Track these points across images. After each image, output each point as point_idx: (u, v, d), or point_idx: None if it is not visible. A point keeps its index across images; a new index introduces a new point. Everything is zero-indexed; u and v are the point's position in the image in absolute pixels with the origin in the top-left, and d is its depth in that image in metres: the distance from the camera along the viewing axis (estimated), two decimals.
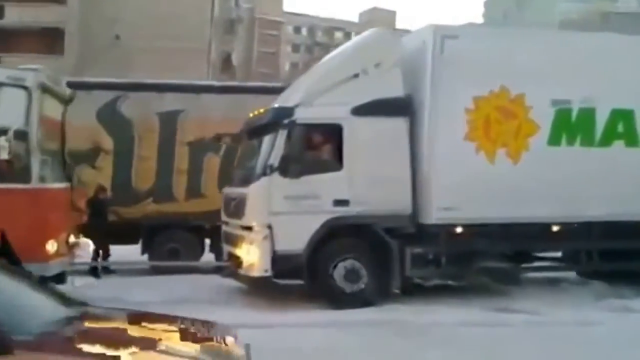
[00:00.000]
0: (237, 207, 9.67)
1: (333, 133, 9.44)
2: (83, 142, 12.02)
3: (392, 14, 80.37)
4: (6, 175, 8.06)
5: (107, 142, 12.50)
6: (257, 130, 9.90)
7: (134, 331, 3.90)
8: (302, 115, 9.26)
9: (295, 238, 9.06)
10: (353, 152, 9.40)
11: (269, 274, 9.00)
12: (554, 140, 10.17)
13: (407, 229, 9.63)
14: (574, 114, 10.20)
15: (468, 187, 9.67)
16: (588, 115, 10.23)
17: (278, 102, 9.92)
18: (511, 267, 10.30)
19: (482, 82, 9.84)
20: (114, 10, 31.85)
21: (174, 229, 12.41)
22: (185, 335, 3.97)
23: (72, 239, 9.39)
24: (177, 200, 12.49)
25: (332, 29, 78.77)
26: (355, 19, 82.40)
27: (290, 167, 9.11)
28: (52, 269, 8.41)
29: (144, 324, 4.11)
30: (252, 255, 9.15)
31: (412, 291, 9.92)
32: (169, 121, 12.63)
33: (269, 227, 9.02)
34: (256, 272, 9.09)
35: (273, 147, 9.25)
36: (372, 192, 9.36)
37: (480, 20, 64.73)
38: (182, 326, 4.19)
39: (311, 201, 9.16)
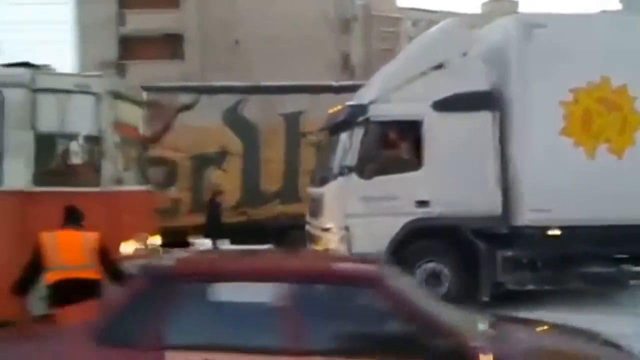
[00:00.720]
0: (316, 208, 9.42)
1: (412, 130, 8.93)
2: (210, 145, 12.51)
3: (514, 5, 77.26)
4: (79, 179, 8.21)
5: (234, 145, 12.75)
6: (334, 128, 9.57)
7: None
8: (377, 112, 8.83)
9: (373, 241, 8.63)
10: (434, 150, 8.85)
11: None
12: None
13: (497, 231, 8.95)
14: None
15: (565, 186, 8.85)
16: None
17: (355, 99, 9.53)
18: (617, 271, 9.29)
19: (579, 73, 9.01)
20: (231, 14, 32.42)
21: (301, 229, 12.34)
22: None
23: (152, 240, 9.48)
24: (303, 202, 12.22)
25: None
26: (477, 10, 79.91)
27: (366, 167, 8.73)
28: (129, 270, 8.49)
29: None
30: None
31: (504, 299, 9.19)
32: (292, 122, 12.67)
33: (346, 228, 8.66)
34: None
35: (348, 146, 8.88)
36: (456, 192, 8.77)
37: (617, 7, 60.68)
38: None
39: (389, 202, 8.71)
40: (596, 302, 9.40)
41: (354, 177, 8.72)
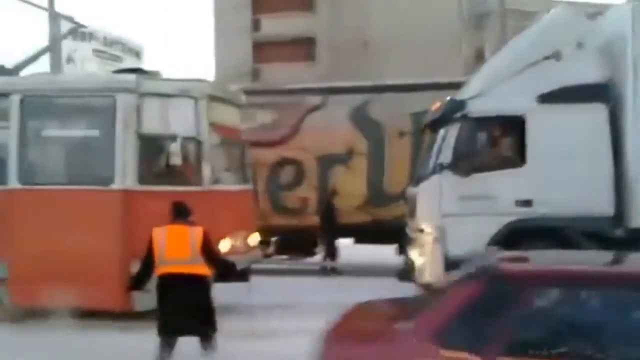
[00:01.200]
0: (411, 207, 9.17)
1: (513, 125, 8.44)
2: (336, 146, 12.77)
3: None
4: (180, 178, 8.54)
5: (360, 145, 12.91)
6: (434, 125, 9.27)
7: None
8: (477, 108, 8.44)
9: (470, 242, 8.19)
10: (539, 146, 8.32)
11: (438, 280, 8.34)
12: None
13: (609, 233, 8.25)
14: None
15: None
16: None
17: (459, 95, 9.18)
18: None
19: None
20: (362, 16, 32.36)
21: None
22: None
23: (253, 238, 9.70)
24: None
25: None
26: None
27: (462, 164, 8.35)
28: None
29: None
30: (423, 259, 8.58)
31: None
32: (420, 121, 12.57)
33: (441, 229, 8.36)
34: (427, 278, 8.50)
35: (445, 143, 8.57)
36: (563, 191, 8.19)
37: None
38: None
39: (488, 201, 8.30)
40: None
41: (449, 174, 8.40)
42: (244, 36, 34.11)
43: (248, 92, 14.24)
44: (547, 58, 8.41)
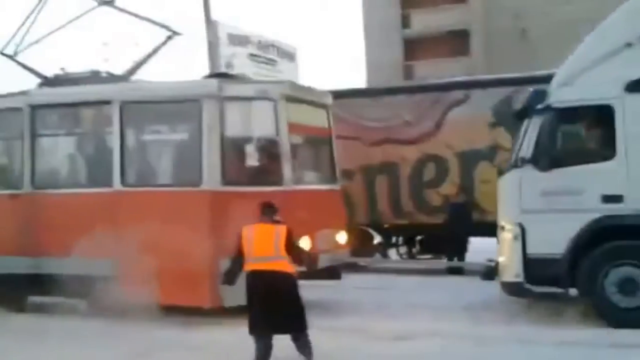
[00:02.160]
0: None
1: (600, 116, 7.92)
2: (480, 141, 12.55)
3: None
4: (262, 178, 8.84)
5: (504, 139, 12.37)
6: (518, 116, 8.89)
7: None
8: (559, 98, 8.00)
9: (553, 240, 7.91)
10: (630, 137, 7.75)
11: (520, 279, 8.06)
12: None
13: None
14: None
15: None
16: None
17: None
18: None
19: None
20: (518, 2, 30.80)
21: None
22: None
23: (341, 236, 9.85)
24: None
25: None
26: None
27: (545, 157, 7.95)
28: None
29: None
30: (504, 258, 8.33)
31: None
32: None
33: (521, 226, 8.06)
34: (507, 277, 8.26)
35: (528, 135, 8.22)
36: None
37: None
38: None
39: (573, 197, 7.86)
40: None
41: (530, 169, 8.05)
42: (394, 33, 33.78)
43: (392, 90, 14.56)
44: (628, 45, 7.81)
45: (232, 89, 9.06)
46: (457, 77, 15.08)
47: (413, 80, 30.24)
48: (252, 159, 8.83)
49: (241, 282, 6.76)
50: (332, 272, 9.74)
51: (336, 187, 10.06)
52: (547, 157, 7.95)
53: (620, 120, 7.79)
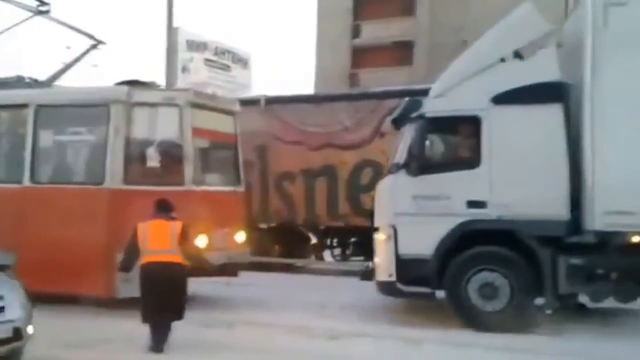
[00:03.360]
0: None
1: (469, 126, 8.40)
2: None
3: None
4: (164, 179, 9.36)
5: None
6: (395, 124, 9.40)
7: None
8: (432, 108, 8.51)
9: (422, 242, 8.33)
10: (494, 147, 8.22)
11: (392, 279, 8.48)
12: None
13: (563, 236, 8.02)
14: None
15: None
16: None
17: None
18: None
19: None
20: (461, 17, 31.88)
21: None
22: None
23: (239, 235, 10.31)
24: None
25: None
26: None
27: (416, 164, 8.43)
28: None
29: None
30: (378, 258, 8.76)
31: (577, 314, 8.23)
32: None
33: (393, 228, 8.50)
34: (381, 276, 8.67)
35: (402, 142, 8.71)
36: (518, 193, 8.07)
37: None
38: None
39: (441, 202, 8.32)
40: None
41: (403, 174, 8.52)
42: (344, 42, 34.84)
43: (334, 97, 15.00)
44: (503, 59, 8.34)
45: (140, 95, 9.61)
46: (398, 85, 15.52)
47: (356, 88, 31.10)
48: (155, 161, 9.37)
49: (135, 275, 7.36)
50: (229, 269, 10.18)
51: (239, 189, 10.54)
52: (418, 164, 8.41)
53: (486, 130, 8.27)
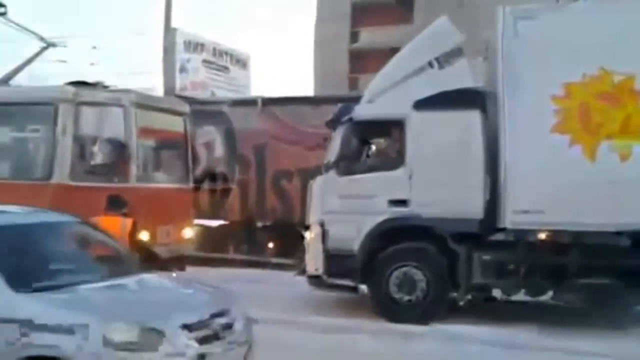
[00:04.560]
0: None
1: (393, 130, 8.98)
2: None
3: None
4: (109, 176, 9.82)
5: None
6: (329, 126, 9.94)
7: None
8: (360, 113, 9.05)
9: (348, 238, 8.88)
10: (415, 149, 8.78)
11: (319, 272, 9.02)
12: None
13: (477, 233, 8.61)
14: None
15: (556, 187, 8.26)
16: None
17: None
18: (619, 286, 8.31)
19: (574, 65, 8.28)
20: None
21: None
22: None
23: (187, 231, 10.80)
24: None
25: None
26: None
27: (344, 165, 8.99)
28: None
29: None
30: (309, 254, 9.30)
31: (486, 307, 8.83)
32: None
33: (322, 224, 9.04)
34: (310, 270, 9.21)
35: (333, 144, 9.26)
36: (436, 193, 8.63)
37: None
38: None
39: (365, 201, 8.87)
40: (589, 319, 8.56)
41: (332, 174, 9.06)
42: (342, 47, 35.22)
43: (330, 99, 14.51)
44: (422, 67, 8.91)
45: (87, 95, 10.07)
46: None
47: (354, 91, 31.63)
48: (100, 158, 9.83)
49: None
50: (177, 264, 10.65)
51: (187, 187, 11.02)
52: (345, 165, 8.98)
53: (408, 134, 8.83)
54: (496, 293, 8.90)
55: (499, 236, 8.61)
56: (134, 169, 9.95)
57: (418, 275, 8.69)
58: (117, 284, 5.50)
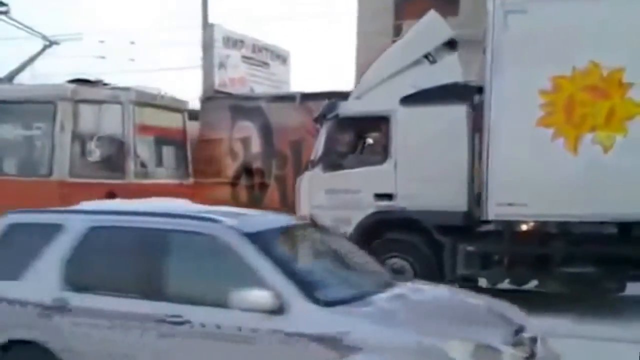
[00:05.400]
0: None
1: (379, 125, 9.14)
2: None
3: None
4: (108, 172, 10.11)
5: None
6: (316, 123, 10.11)
7: None
8: (346, 109, 9.21)
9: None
10: (401, 144, 8.93)
11: None
12: None
13: (462, 225, 8.75)
14: None
15: (539, 179, 8.33)
16: None
17: None
18: (600, 274, 8.41)
19: (562, 59, 8.29)
20: None
21: None
22: None
23: None
24: None
25: None
26: None
27: (330, 161, 9.19)
28: None
29: None
30: None
31: None
32: None
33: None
34: None
35: (319, 140, 9.43)
36: (422, 186, 8.78)
37: None
38: None
39: (352, 195, 9.06)
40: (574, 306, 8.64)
41: (319, 170, 9.25)
42: (385, 41, 35.14)
43: None
44: (413, 63, 9.02)
45: (85, 93, 10.36)
46: None
47: None
48: (98, 155, 10.14)
49: None
50: None
51: (187, 181, 11.29)
52: (331, 160, 9.17)
53: (394, 129, 8.98)
54: (482, 282, 9.04)
55: (483, 228, 8.73)
56: (131, 165, 10.25)
57: (405, 266, 8.86)
58: (397, 294, 4.74)
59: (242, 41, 16.97)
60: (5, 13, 12.07)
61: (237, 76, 16.60)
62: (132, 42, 24.75)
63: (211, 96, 14.19)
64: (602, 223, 8.33)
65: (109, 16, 42.44)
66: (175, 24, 42.59)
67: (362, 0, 35.10)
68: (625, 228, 8.37)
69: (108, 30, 39.36)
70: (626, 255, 8.28)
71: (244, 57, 17.02)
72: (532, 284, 8.95)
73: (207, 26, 16.35)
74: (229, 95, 13.99)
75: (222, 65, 16.19)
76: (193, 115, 13.18)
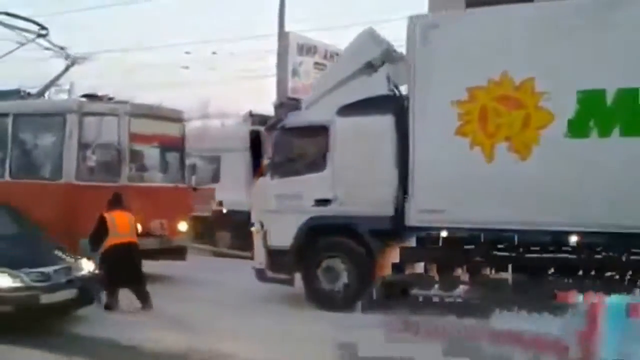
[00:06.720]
0: None
1: (319, 135, 9.69)
2: None
3: None
4: (107, 176, 11.49)
5: None
6: (267, 132, 10.81)
7: None
8: (292, 120, 9.89)
9: (283, 235, 9.79)
10: (336, 153, 9.50)
11: (262, 266, 10.05)
12: (576, 131, 8.06)
13: (388, 230, 9.18)
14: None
15: (457, 187, 8.65)
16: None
17: None
18: (525, 281, 8.51)
19: (477, 70, 8.57)
20: None
21: None
22: None
23: (181, 225, 12.24)
24: None
25: None
26: None
27: (278, 168, 9.93)
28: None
29: None
30: (254, 249, 10.33)
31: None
32: None
33: (262, 223, 10.04)
34: (255, 264, 10.24)
35: (270, 148, 10.19)
36: (354, 192, 9.33)
37: None
38: None
39: (296, 201, 9.73)
40: None
41: (268, 176, 10.02)
42: None
43: None
44: (348, 78, 9.54)
45: (89, 106, 11.77)
46: None
47: None
48: (99, 161, 11.54)
49: None
50: (178, 255, 12.22)
51: (182, 185, 12.44)
52: (280, 168, 9.93)
53: (331, 138, 9.56)
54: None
55: (408, 234, 9.10)
56: (125, 170, 11.53)
57: (340, 267, 9.46)
58: None
59: (315, 47, 17.12)
60: (44, 36, 13.72)
61: (309, 82, 16.43)
62: (214, 52, 26.00)
63: (283, 102, 14.82)
64: (519, 231, 8.43)
65: (193, 28, 44.88)
66: (255, 32, 44.10)
67: (432, 1, 34.63)
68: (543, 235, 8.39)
69: (192, 43, 41.45)
70: (547, 262, 8.38)
71: (316, 63, 17.22)
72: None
73: (282, 34, 16.83)
74: (299, 101, 14.54)
75: (295, 73, 16.66)
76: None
